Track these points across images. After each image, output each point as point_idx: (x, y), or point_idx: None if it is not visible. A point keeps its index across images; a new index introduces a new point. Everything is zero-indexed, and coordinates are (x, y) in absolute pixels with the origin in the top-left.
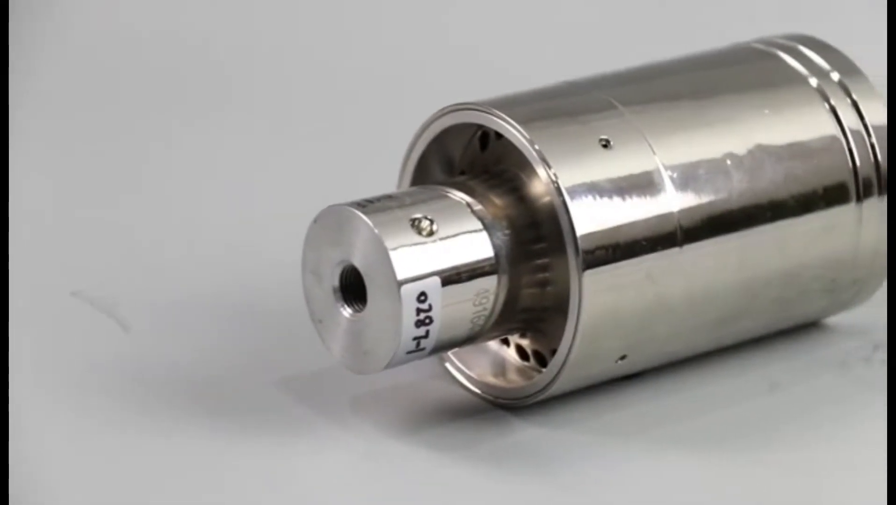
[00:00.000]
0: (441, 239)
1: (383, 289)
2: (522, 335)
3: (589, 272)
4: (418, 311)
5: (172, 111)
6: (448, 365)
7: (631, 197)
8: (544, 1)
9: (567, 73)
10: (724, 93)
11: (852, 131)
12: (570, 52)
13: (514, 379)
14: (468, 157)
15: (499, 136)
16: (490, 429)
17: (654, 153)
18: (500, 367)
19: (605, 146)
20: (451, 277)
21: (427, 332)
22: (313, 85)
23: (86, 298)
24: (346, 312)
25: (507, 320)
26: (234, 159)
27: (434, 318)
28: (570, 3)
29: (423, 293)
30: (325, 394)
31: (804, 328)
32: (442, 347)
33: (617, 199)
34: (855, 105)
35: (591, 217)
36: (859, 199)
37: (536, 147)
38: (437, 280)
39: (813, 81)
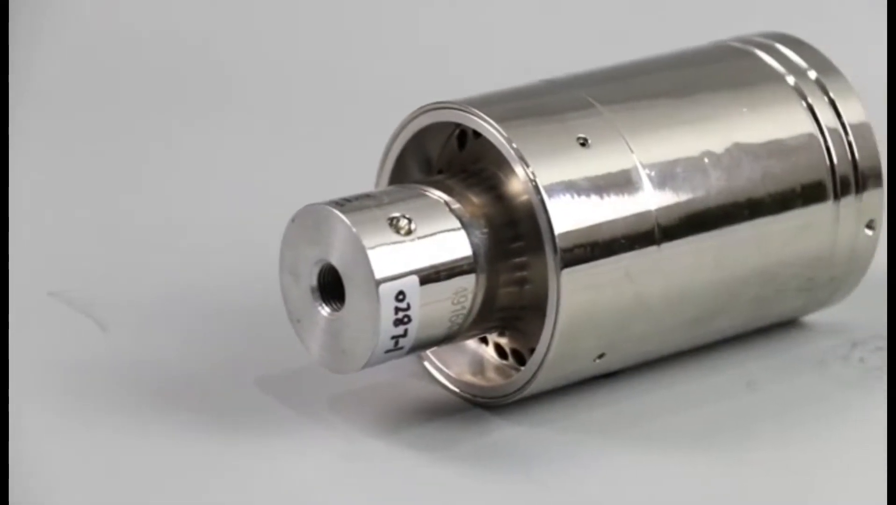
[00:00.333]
0: (419, 238)
1: (361, 288)
2: (501, 334)
3: (567, 271)
4: (396, 310)
5: (163, 111)
6: (427, 364)
7: (609, 195)
8: (522, 0)
9: (545, 72)
10: (701, 91)
11: (829, 129)
12: (547, 50)
13: (493, 378)
14: (446, 156)
15: (477, 134)
16: (469, 427)
17: (631, 152)
18: (479, 365)
19: (583, 145)
20: (430, 276)
21: (405, 331)
22: (288, 85)
23: (64, 298)
24: (324, 311)
25: (485, 319)
26: (212, 161)
27: (412, 317)
28: (548, 3)
29: (401, 292)
30: (304, 393)
31: (782, 326)
32: (420, 346)
33: (595, 198)
34: (832, 103)
35: (569, 215)
36: (836, 197)
37: (514, 145)
38: (415, 279)
39: (790, 80)
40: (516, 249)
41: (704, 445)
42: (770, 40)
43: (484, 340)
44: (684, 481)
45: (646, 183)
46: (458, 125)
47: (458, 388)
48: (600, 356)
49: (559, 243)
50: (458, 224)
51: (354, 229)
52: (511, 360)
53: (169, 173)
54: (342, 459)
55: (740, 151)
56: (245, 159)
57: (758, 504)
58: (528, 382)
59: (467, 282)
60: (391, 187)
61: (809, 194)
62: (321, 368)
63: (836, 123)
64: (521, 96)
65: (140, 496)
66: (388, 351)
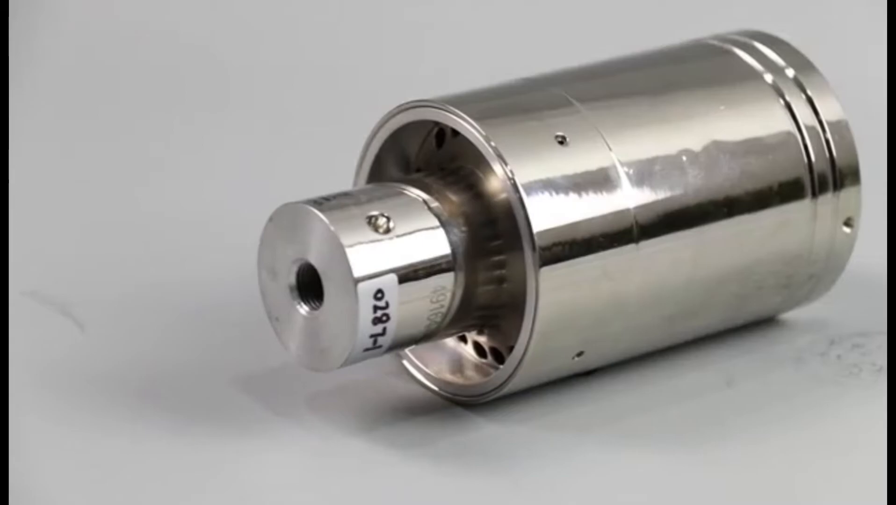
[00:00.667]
0: (398, 236)
1: (340, 286)
2: (479, 332)
3: (545, 269)
4: (375, 308)
5: (143, 111)
6: (405, 362)
7: (587, 193)
8: None
9: (523, 70)
10: (679, 89)
11: (807, 127)
12: (526, 48)
13: (472, 376)
14: (424, 155)
15: (455, 133)
16: (448, 426)
17: (609, 149)
18: (458, 364)
19: (561, 143)
20: (408, 275)
21: (384, 329)
22: (265, 85)
23: (41, 298)
24: (303, 309)
25: (464, 317)
26: (188, 160)
27: (391, 315)
28: (527, 1)
29: (379, 291)
30: (283, 392)
31: (760, 324)
32: (399, 345)
33: (573, 196)
34: (810, 101)
35: (547, 213)
36: (814, 194)
37: (493, 144)
38: (393, 277)
39: (768, 78)
40: (495, 248)
41: (683, 443)
42: (748, 38)
43: (463, 339)
44: (663, 478)
45: (624, 181)
46: (436, 123)
47: (436, 386)
48: (579, 354)
49: (537, 241)
50: (436, 222)
51: (333, 228)
52: (490, 358)
53: (145, 173)
54: (320, 456)
55: (718, 149)
56: (220, 159)
57: (736, 501)
58: (507, 380)
59: (446, 280)
60: (369, 186)
61: (787, 192)
62: (299, 367)
63: (813, 121)
64: (499, 95)
65: (115, 495)
66: (366, 349)
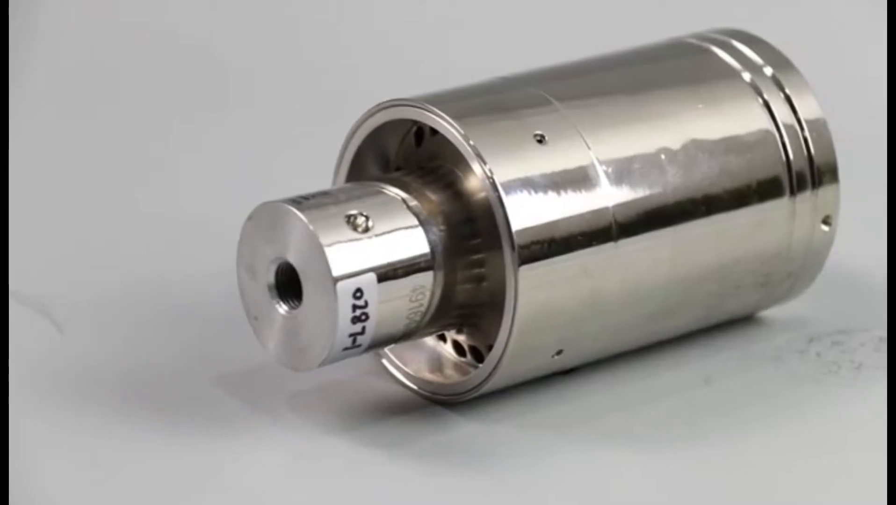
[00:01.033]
0: (376, 235)
1: (319, 285)
2: (459, 331)
3: (524, 267)
4: (354, 307)
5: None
6: (385, 361)
7: (566, 192)
8: None
9: (502, 69)
10: (658, 88)
11: (785, 126)
12: (504, 47)
13: (451, 375)
14: (403, 154)
15: (434, 131)
16: (427, 425)
17: (588, 148)
18: (437, 363)
19: (539, 141)
20: (387, 274)
21: (363, 328)
22: (243, 83)
23: (19, 298)
24: (282, 308)
25: (443, 316)
26: (166, 160)
27: (370, 314)
28: (505, 0)
29: (358, 290)
30: (262, 391)
31: (739, 322)
32: (378, 344)
33: (552, 195)
34: (788, 99)
35: (526, 212)
36: (793, 193)
37: (471, 142)
38: (372, 276)
39: (746, 76)
40: (474, 246)
41: (662, 441)
42: (726, 37)
43: (442, 338)
44: (642, 477)
45: (603, 179)
46: (415, 122)
47: (416, 385)
48: (558, 353)
49: (516, 240)
50: (415, 221)
51: (311, 227)
52: (469, 357)
53: (123, 173)
54: (300, 456)
55: (697, 148)
56: (198, 158)
57: (715, 499)
58: (486, 378)
59: (425, 279)
60: (348, 185)
61: (766, 190)
62: (279, 366)
63: (791, 119)
64: (477, 93)
65: (97, 495)
66: (345, 348)
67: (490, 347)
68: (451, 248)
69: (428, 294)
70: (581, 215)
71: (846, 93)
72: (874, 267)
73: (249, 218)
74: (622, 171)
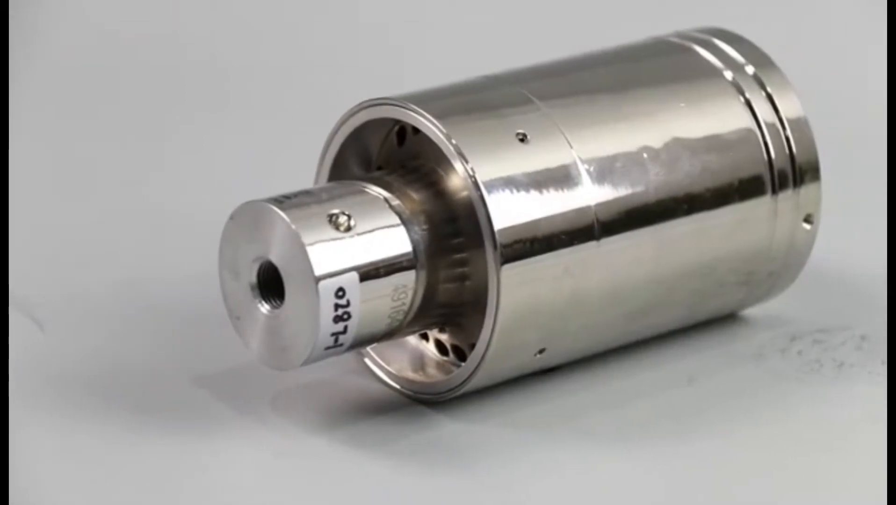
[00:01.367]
0: (358, 234)
1: (301, 285)
2: (441, 330)
3: (507, 266)
4: (336, 306)
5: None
6: (367, 360)
7: (548, 191)
8: None
9: (484, 68)
10: (640, 86)
11: (767, 124)
12: (486, 46)
13: (434, 374)
14: (385, 153)
15: (416, 130)
16: (409, 424)
17: (570, 147)
18: (420, 362)
19: (521, 140)
20: (369, 273)
21: (345, 327)
22: (224, 81)
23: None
24: (264, 308)
25: (425, 315)
26: (146, 158)
27: (352, 313)
28: None
29: (340, 289)
30: (244, 391)
31: (721, 321)
32: (360, 343)
33: (534, 193)
34: (770, 98)
35: (508, 211)
36: (774, 191)
37: (453, 141)
38: (354, 275)
39: (728, 75)
40: (456, 245)
41: (644, 440)
42: (708, 35)
43: (424, 337)
44: (624, 476)
45: (585, 178)
46: (397, 121)
47: (398, 384)
48: (540, 351)
49: (499, 239)
50: (397, 220)
51: (294, 226)
52: (451, 356)
53: (104, 172)
54: (282, 455)
55: (679, 146)
56: (177, 156)
57: (698, 497)
58: (469, 378)
59: (407, 278)
60: (330, 184)
61: (747, 189)
62: (261, 366)
63: (773, 118)
64: (459, 92)
65: (74, 495)
66: (328, 348)
67: (472, 346)
68: (433, 247)
69: (410, 293)
70: (563, 214)
71: (846, 93)
72: (856, 265)
73: (231, 217)
74: (604, 170)
